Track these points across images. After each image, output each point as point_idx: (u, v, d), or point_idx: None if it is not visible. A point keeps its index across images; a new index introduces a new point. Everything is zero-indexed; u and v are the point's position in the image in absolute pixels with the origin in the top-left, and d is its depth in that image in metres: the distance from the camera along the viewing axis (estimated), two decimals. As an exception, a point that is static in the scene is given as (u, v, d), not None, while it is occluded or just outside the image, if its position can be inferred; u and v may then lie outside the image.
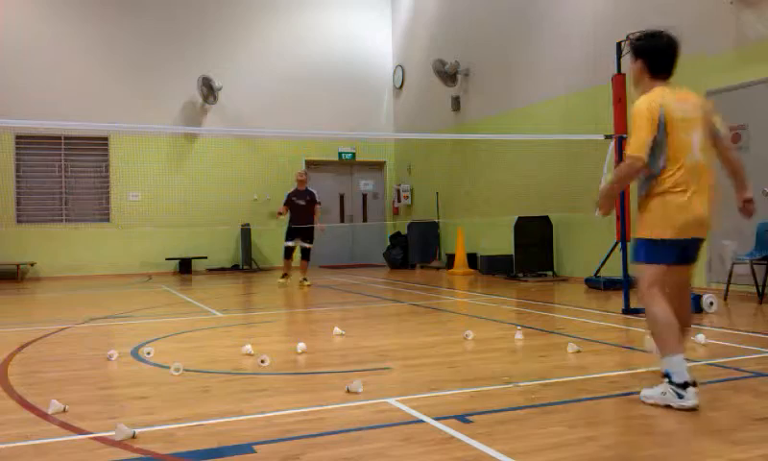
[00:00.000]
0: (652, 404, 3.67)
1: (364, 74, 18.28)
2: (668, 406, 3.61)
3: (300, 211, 11.97)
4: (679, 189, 3.73)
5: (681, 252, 3.83)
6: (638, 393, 3.81)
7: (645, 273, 3.81)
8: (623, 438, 3.24)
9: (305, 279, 12.04)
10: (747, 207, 4.02)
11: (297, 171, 12.67)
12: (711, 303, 7.26)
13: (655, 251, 3.79)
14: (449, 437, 3.26)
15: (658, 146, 3.75)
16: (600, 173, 8.50)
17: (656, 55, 3.91)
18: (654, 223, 3.79)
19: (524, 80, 13.32)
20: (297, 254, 12.11)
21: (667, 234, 3.75)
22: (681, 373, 3.61)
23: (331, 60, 17.76)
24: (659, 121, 3.74)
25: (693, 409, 3.55)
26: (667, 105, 3.77)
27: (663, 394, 3.65)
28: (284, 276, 12.06)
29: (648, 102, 3.80)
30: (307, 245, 12.02)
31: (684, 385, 3.59)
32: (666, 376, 3.66)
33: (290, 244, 11.99)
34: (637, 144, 3.72)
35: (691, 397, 3.58)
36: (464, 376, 4.61)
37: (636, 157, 3.72)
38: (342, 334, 6.37)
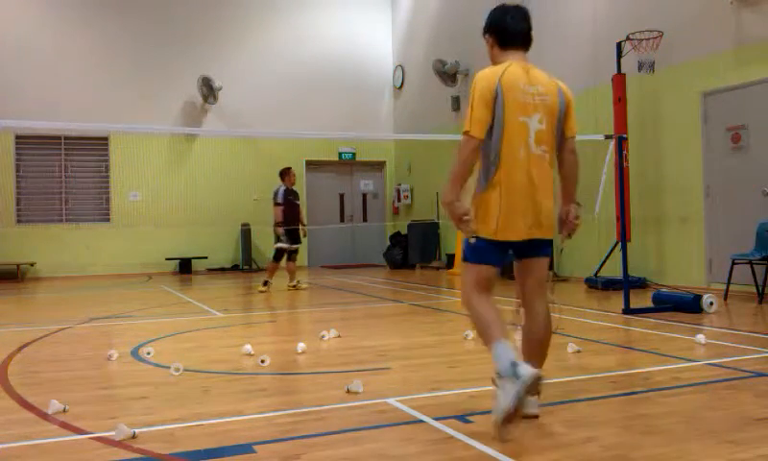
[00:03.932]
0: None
1: (364, 74, 18.27)
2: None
3: (297, 212, 11.29)
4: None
5: None
6: (638, 393, 3.80)
7: None
8: (623, 438, 3.23)
9: (299, 282, 11.37)
10: (568, 223, 3.80)
11: (292, 169, 11.55)
12: (711, 303, 7.25)
13: None
14: (449, 437, 3.26)
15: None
16: (600, 173, 8.52)
17: (500, 26, 3.76)
18: None
19: (524, 80, 13.28)
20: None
21: None
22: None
23: (331, 61, 17.76)
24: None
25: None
26: (507, 81, 3.44)
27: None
28: (265, 284, 10.93)
29: (484, 75, 3.57)
30: (296, 246, 11.29)
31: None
32: None
33: (293, 247, 11.08)
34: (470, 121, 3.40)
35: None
36: (464, 376, 4.61)
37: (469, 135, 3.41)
38: (337, 336, 6.33)
